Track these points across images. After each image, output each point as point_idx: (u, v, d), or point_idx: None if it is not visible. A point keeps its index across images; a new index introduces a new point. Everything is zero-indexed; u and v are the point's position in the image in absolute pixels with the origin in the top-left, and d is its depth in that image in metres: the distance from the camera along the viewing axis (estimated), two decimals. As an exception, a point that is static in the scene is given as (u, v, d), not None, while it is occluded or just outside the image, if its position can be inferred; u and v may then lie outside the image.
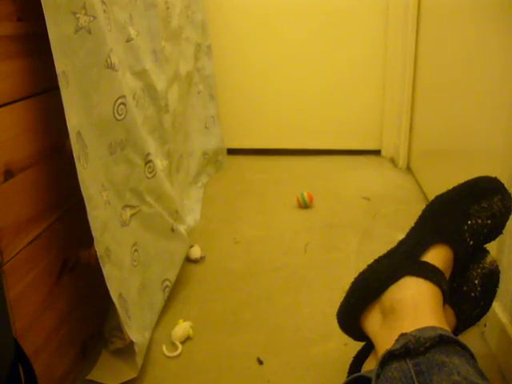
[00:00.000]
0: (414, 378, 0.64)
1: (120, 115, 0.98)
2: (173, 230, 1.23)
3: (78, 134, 0.85)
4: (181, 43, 1.66)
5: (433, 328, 0.72)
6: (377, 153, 2.40)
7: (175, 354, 1.07)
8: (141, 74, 1.16)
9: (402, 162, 2.21)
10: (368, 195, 1.90)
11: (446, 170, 1.62)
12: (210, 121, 2.08)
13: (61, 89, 0.80)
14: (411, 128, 2.18)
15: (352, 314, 0.88)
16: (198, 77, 1.95)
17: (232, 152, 2.37)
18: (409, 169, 2.19)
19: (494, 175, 0.90)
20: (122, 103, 0.98)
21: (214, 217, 1.77)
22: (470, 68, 1.35)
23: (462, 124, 1.44)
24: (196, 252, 1.45)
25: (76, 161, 0.83)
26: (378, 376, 0.68)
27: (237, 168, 2.27)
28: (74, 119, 0.84)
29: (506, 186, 0.89)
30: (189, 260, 1.44)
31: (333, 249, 1.51)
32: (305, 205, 1.81)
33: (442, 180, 1.63)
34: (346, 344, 1.07)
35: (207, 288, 1.33)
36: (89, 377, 1.01)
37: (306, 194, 1.81)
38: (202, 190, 1.94)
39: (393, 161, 2.31)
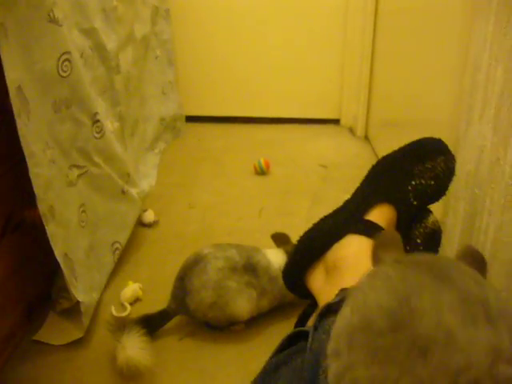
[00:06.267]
0: (350, 329, 0.66)
1: (65, 72, 0.95)
2: (123, 192, 1.21)
3: (19, 88, 0.83)
4: (136, 5, 1.61)
5: (372, 283, 0.73)
6: (336, 122, 2.41)
7: (123, 314, 1.07)
8: (89, 32, 1.13)
9: (360, 131, 2.23)
10: (325, 163, 1.91)
11: (401, 138, 1.62)
12: (168, 86, 2.05)
13: (-2, 41, 0.77)
14: (369, 98, 2.19)
15: (297, 271, 0.89)
16: (155, 41, 1.92)
17: (191, 119, 2.35)
18: (367, 138, 2.21)
19: (439, 138, 0.91)
20: (67, 59, 0.95)
21: (170, 183, 1.76)
22: (423, 43, 1.36)
23: (415, 95, 1.46)
24: (149, 216, 1.44)
25: (16, 116, 0.81)
26: (315, 328, 0.69)
27: (195, 135, 2.25)
28: (13, 73, 0.81)
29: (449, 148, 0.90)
30: (142, 224, 1.43)
31: (287, 213, 1.52)
32: (261, 171, 1.81)
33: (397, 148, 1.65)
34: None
35: (159, 251, 1.33)
36: (35, 337, 1.00)
37: (262, 160, 1.81)
38: (159, 157, 1.92)
39: (351, 130, 2.33)
